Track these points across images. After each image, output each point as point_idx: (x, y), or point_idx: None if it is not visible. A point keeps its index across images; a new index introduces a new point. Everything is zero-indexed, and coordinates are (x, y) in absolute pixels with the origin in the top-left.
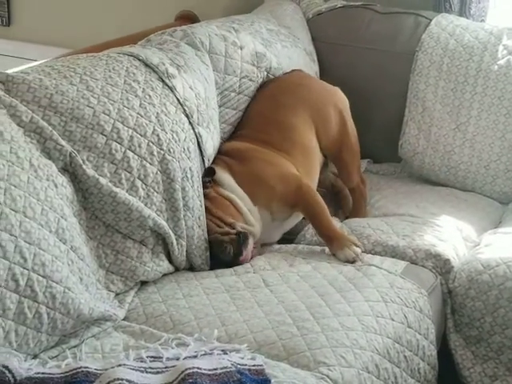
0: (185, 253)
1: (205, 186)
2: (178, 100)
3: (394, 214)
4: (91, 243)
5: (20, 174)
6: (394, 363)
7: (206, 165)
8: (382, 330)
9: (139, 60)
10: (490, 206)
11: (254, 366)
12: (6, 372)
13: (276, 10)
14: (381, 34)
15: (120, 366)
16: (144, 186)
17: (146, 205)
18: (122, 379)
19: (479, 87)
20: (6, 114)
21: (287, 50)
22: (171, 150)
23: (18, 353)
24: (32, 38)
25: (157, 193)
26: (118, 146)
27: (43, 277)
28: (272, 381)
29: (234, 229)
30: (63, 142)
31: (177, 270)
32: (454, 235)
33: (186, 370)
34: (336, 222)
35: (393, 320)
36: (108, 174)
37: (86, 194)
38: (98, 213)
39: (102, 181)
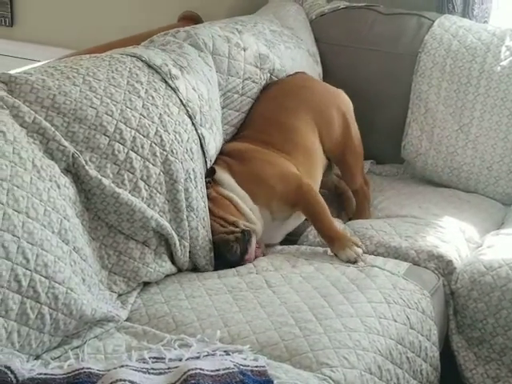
0: (188, 254)
1: (205, 187)
2: (180, 101)
3: (396, 215)
4: (94, 244)
5: (23, 175)
6: (397, 364)
7: (208, 166)
8: (384, 331)
9: (142, 61)
10: (492, 207)
11: (256, 366)
12: (9, 373)
13: (279, 11)
14: (384, 35)
15: (122, 366)
16: (147, 187)
17: (148, 206)
18: (124, 380)
19: (482, 88)
20: (8, 115)
21: (290, 52)
22: (174, 151)
23: (21, 353)
24: (35, 39)
25: (160, 194)
26: (121, 146)
27: (46, 277)
28: (274, 382)
29: (237, 227)
30: (66, 143)
31: (179, 270)
32: (456, 236)
33: (189, 370)
34: (339, 224)
35: (395, 321)
36: (111, 175)
37: (88, 195)
38: (101, 213)
39: (105, 181)
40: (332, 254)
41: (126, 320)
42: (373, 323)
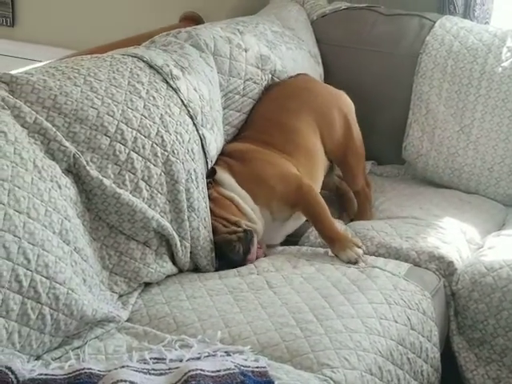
0: (189, 254)
1: (206, 187)
2: (182, 101)
3: (397, 216)
4: (95, 244)
5: (24, 175)
6: (397, 365)
7: (209, 166)
8: (385, 332)
9: (143, 61)
10: (493, 208)
11: (257, 367)
12: (9, 373)
13: (280, 12)
14: (385, 36)
15: (123, 367)
16: (148, 188)
17: (149, 206)
18: (125, 381)
19: (483, 89)
20: (10, 115)
21: (292, 52)
22: (175, 152)
23: (21, 354)
24: (36, 39)
25: (161, 194)
26: (122, 147)
27: (46, 278)
28: (275, 383)
29: (239, 227)
30: (67, 143)
31: (180, 271)
32: (457, 237)
33: (190, 371)
34: (340, 225)
35: (396, 322)
36: (112, 176)
37: (89, 196)
38: (102, 214)
39: (106, 182)
40: (332, 254)
41: (127, 320)
42: (374, 324)
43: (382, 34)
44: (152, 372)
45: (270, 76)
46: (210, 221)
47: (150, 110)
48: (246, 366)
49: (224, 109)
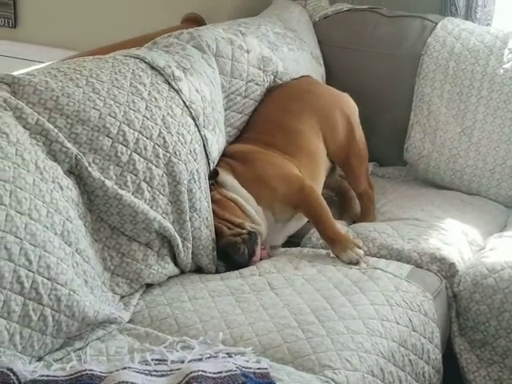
0: (190, 255)
1: (209, 189)
2: (183, 102)
3: (399, 217)
4: (96, 245)
5: (25, 177)
6: (399, 367)
7: (211, 167)
8: (387, 334)
9: (145, 62)
10: (495, 209)
11: (258, 369)
12: (11, 374)
13: (282, 13)
14: (386, 38)
15: (125, 368)
16: (150, 189)
17: (151, 207)
18: (126, 382)
19: (485, 91)
20: (11, 116)
21: (293, 54)
22: (177, 153)
23: (23, 355)
24: (38, 40)
25: (162, 195)
26: (124, 148)
27: (48, 279)
28: None
29: (243, 229)
30: (69, 145)
31: (182, 272)
32: (459, 239)
33: (191, 373)
34: (341, 226)
35: (398, 323)
36: (114, 177)
37: (91, 197)
38: (104, 215)
39: (108, 183)
40: (334, 255)
41: (129, 322)
42: (375, 325)
43: (383, 36)
44: (153, 373)
45: (272, 77)
46: (213, 221)
47: (151, 111)
48: (247, 368)
49: (226, 110)
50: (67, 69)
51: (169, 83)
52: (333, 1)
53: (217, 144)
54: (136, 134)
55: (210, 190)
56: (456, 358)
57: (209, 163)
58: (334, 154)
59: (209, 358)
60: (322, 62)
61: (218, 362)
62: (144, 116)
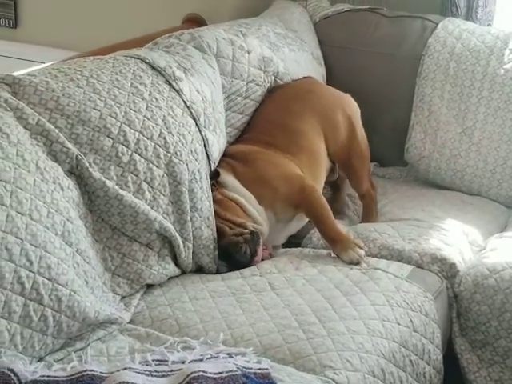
0: (191, 255)
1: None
2: (184, 103)
3: (400, 218)
4: (97, 246)
5: (26, 177)
6: (400, 367)
7: (212, 168)
8: (387, 334)
9: (146, 63)
10: (496, 209)
11: (259, 369)
12: (12, 375)
13: (283, 14)
14: (387, 38)
15: (125, 369)
16: (150, 189)
17: (152, 208)
18: (127, 382)
19: (485, 91)
20: (12, 117)
21: (294, 54)
22: (178, 153)
23: (24, 356)
24: (39, 41)
25: (163, 195)
26: (125, 148)
27: (49, 280)
28: None
29: (245, 229)
30: (69, 145)
31: (183, 272)
32: (459, 239)
33: (192, 373)
34: (342, 226)
35: (399, 324)
36: (114, 177)
37: (92, 197)
38: (104, 215)
39: (109, 184)
40: (334, 255)
41: (129, 322)
42: (376, 326)
43: (384, 36)
44: (154, 374)
45: (273, 78)
46: (214, 221)
47: (152, 111)
48: (248, 368)
49: (226, 110)
50: (68, 69)
51: (169, 83)
52: (333, 1)
53: (217, 144)
54: (137, 134)
55: (212, 191)
56: (457, 359)
57: (209, 163)
58: (336, 154)
59: (209, 358)
60: (322, 63)
61: (219, 363)
62: (145, 116)
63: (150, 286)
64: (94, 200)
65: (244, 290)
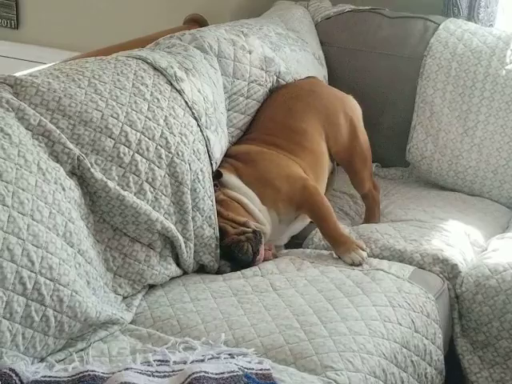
0: (193, 255)
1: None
2: (186, 103)
3: (401, 218)
4: (99, 246)
5: (28, 178)
6: (401, 368)
7: (214, 168)
8: (389, 335)
9: (147, 63)
10: (497, 210)
11: (261, 370)
12: (13, 375)
13: (285, 14)
14: (389, 39)
15: (127, 369)
16: (152, 190)
17: (153, 208)
18: (128, 383)
19: (487, 92)
20: (14, 117)
21: (295, 54)
22: (180, 153)
23: (25, 356)
24: (40, 41)
25: (165, 196)
26: (126, 149)
27: (50, 280)
28: None
29: (248, 228)
30: (71, 146)
31: (185, 273)
32: (461, 240)
33: (193, 373)
34: (344, 227)
35: (400, 325)
36: (116, 178)
37: (93, 198)
38: (106, 216)
39: (110, 184)
40: (336, 256)
41: (131, 323)
42: (377, 327)
43: (386, 37)
44: (156, 374)
45: (275, 78)
46: (216, 220)
47: (154, 111)
48: (249, 369)
49: (228, 111)
50: (69, 70)
51: (171, 84)
52: (335, 2)
53: (219, 144)
54: (138, 134)
55: (214, 191)
56: (458, 359)
57: (211, 164)
58: (338, 154)
59: (211, 358)
60: (324, 63)
61: (220, 363)
62: (146, 117)
63: (151, 287)
64: (95, 200)
65: (245, 291)
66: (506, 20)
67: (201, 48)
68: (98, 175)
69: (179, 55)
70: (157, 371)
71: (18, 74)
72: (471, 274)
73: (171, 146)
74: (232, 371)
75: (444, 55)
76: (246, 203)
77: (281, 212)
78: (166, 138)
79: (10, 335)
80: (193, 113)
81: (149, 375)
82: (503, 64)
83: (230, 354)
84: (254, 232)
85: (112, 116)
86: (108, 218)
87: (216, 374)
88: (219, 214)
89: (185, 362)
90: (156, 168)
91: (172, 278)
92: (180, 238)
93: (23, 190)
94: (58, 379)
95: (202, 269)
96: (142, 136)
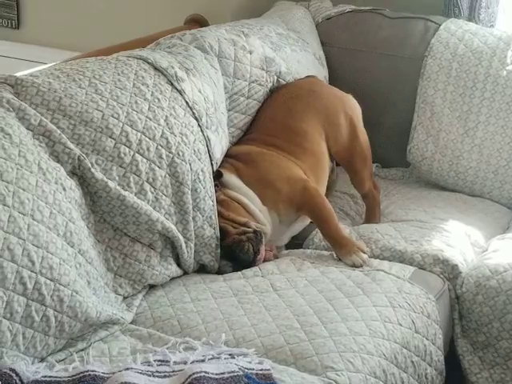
0: (193, 255)
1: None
2: (186, 103)
3: (402, 219)
4: (99, 246)
5: (28, 178)
6: (402, 368)
7: (214, 168)
8: (389, 335)
9: (148, 63)
10: (498, 211)
11: (261, 370)
12: (13, 375)
13: (285, 15)
14: (390, 39)
15: (127, 369)
16: (152, 190)
17: (154, 208)
18: (129, 383)
19: (488, 92)
20: (15, 118)
21: (296, 54)
22: (180, 153)
23: (26, 356)
24: (41, 41)
25: (165, 196)
26: (127, 149)
27: (51, 280)
28: None
29: (249, 227)
30: (72, 146)
31: (185, 273)
32: (462, 241)
33: (194, 374)
34: (344, 227)
35: (400, 325)
36: (116, 178)
37: (94, 198)
38: (107, 216)
39: (111, 184)
40: (337, 258)
41: (131, 323)
42: (378, 327)
43: (387, 37)
44: (156, 374)
45: (275, 78)
46: (217, 220)
47: (154, 111)
48: (250, 369)
49: (229, 111)
50: (70, 70)
51: (172, 84)
52: (336, 2)
53: (220, 144)
54: (139, 134)
55: (215, 192)
56: (459, 360)
57: (212, 164)
58: (338, 154)
59: (211, 359)
60: (324, 64)
61: (221, 363)
62: (147, 117)
63: (152, 287)
64: (96, 201)
65: (246, 291)
66: (507, 21)
67: (201, 48)
68: (99, 175)
69: (180, 55)
70: (157, 371)
71: (18, 74)
72: (472, 274)
73: (172, 146)
74: (232, 371)
75: (445, 56)
76: (247, 203)
77: (281, 213)
78: (167, 138)
79: (10, 335)
80: (193, 113)
81: (149, 375)
82: (504, 64)
83: (230, 355)
84: (255, 232)
85: (113, 116)
86: (108, 218)
87: (216, 374)
88: (220, 215)
89: (185, 362)
90: (157, 168)
91: (172, 278)
92: (180, 238)
93: (24, 189)
94: (58, 379)
95: (202, 269)
96: (143, 136)
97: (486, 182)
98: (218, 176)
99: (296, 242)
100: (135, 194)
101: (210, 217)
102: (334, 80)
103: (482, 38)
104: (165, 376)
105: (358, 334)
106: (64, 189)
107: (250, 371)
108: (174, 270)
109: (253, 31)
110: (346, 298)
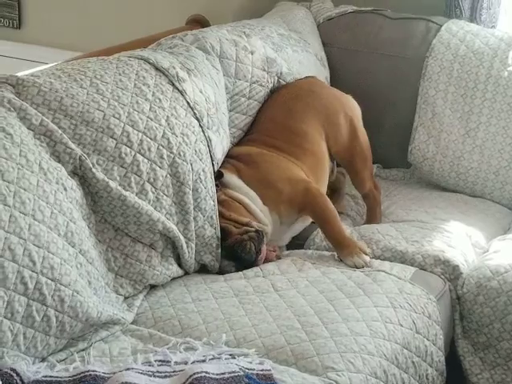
0: (194, 256)
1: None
2: (188, 103)
3: (403, 219)
4: (100, 247)
5: (29, 177)
6: (402, 369)
7: (215, 169)
8: (390, 336)
9: (149, 63)
10: (499, 212)
11: (262, 370)
12: (14, 375)
13: (287, 15)
14: (391, 40)
15: (128, 369)
16: (153, 190)
17: (155, 208)
18: (129, 383)
19: (489, 93)
20: (16, 117)
21: (297, 55)
22: (181, 153)
23: (26, 356)
24: (42, 41)
25: (166, 196)
26: (128, 149)
27: (52, 280)
28: None
29: (251, 227)
30: (73, 146)
31: (186, 273)
32: (463, 241)
33: (194, 374)
34: (345, 227)
35: (401, 326)
36: (118, 178)
37: (95, 198)
38: (108, 216)
39: (112, 184)
40: (338, 258)
41: (132, 323)
42: (379, 328)
43: (388, 38)
44: (157, 374)
45: (276, 78)
46: (218, 220)
47: (155, 112)
48: (250, 369)
49: (230, 111)
50: (71, 70)
51: (173, 84)
52: (337, 3)
53: (221, 145)
54: (140, 135)
55: (216, 192)
56: (459, 361)
57: (213, 164)
58: (338, 154)
59: (212, 359)
60: (326, 64)
61: (221, 364)
62: (148, 117)
63: (152, 287)
64: (97, 201)
65: (247, 291)
66: (509, 21)
67: (203, 48)
68: (100, 175)
69: (181, 56)
70: (158, 371)
71: (19, 74)
72: (472, 275)
73: (173, 146)
74: (233, 372)
75: (446, 56)
76: (248, 203)
77: (282, 214)
78: (168, 139)
79: (11, 335)
80: (195, 113)
81: (150, 375)
82: (505, 65)
83: (231, 355)
84: (257, 231)
85: (114, 116)
86: (109, 218)
87: (217, 374)
88: (221, 215)
89: (186, 363)
90: (158, 168)
91: (173, 279)
92: (181, 238)
93: (25, 189)
94: (59, 379)
95: (203, 269)
96: (144, 136)
97: (487, 182)
98: (218, 176)
99: (297, 243)
100: (136, 194)
101: (211, 217)
102: (335, 81)
103: (484, 39)
104: (165, 376)
105: (359, 334)
106: (65, 189)
107: (250, 371)
108: (175, 270)
109: (254, 32)
110: (347, 299)
